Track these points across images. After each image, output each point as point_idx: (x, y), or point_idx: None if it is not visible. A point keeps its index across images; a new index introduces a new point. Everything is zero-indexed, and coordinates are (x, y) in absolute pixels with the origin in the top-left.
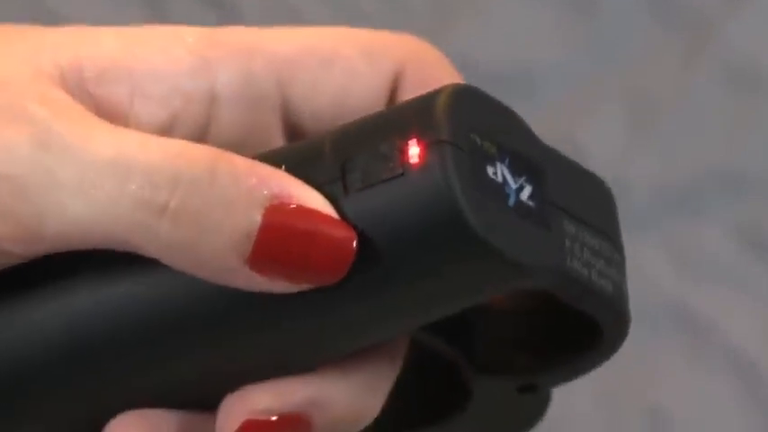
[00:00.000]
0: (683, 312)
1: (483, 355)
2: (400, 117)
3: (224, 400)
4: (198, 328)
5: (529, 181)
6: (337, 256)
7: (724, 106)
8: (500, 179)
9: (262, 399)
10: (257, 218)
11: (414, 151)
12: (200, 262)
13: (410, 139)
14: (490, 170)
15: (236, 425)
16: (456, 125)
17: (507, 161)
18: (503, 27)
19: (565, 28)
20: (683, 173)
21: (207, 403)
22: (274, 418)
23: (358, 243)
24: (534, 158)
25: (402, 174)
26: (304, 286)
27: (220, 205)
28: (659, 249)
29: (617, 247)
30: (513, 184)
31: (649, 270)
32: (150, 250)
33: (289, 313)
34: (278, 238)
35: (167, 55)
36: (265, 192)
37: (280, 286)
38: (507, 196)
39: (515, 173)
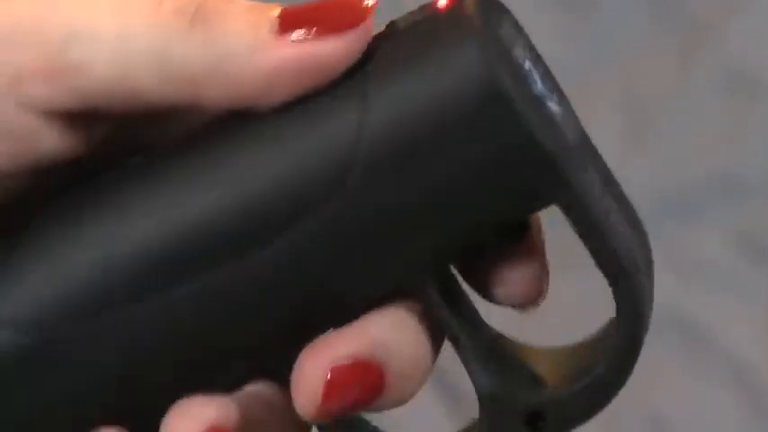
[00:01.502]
0: (683, 319)
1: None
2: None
3: (301, 355)
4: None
5: (549, 83)
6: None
7: (722, 110)
8: (527, 66)
9: (339, 345)
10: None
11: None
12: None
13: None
14: (517, 52)
15: (323, 372)
16: (486, 14)
17: (531, 53)
18: None
19: (562, 29)
20: (681, 178)
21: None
22: (353, 360)
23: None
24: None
25: (432, 14)
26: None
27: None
28: (658, 256)
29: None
30: (536, 75)
31: None
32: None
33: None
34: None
35: None
36: None
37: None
38: (534, 82)
39: (537, 66)
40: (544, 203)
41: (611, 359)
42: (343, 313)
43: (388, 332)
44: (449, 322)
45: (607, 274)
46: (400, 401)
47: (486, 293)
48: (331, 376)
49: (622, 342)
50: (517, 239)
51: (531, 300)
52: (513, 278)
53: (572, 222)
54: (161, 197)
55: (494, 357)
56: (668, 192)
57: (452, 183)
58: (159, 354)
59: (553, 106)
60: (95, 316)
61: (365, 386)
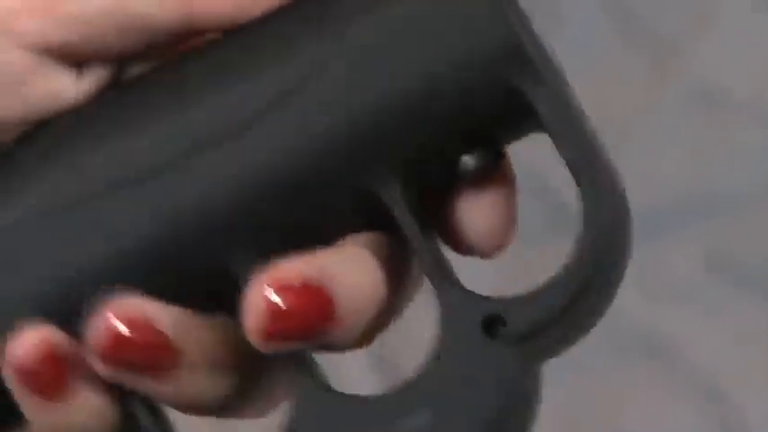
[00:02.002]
0: (650, 336)
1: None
2: None
3: (252, 276)
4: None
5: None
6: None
7: (691, 127)
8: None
9: (290, 268)
10: None
11: None
12: None
13: None
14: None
15: (270, 293)
16: None
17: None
18: None
19: None
20: (650, 195)
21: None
22: (301, 282)
23: None
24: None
25: None
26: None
27: None
28: (626, 274)
29: None
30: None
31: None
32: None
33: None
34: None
35: None
36: None
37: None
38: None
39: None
40: (520, 101)
41: (575, 257)
42: (304, 232)
43: (343, 263)
44: (411, 231)
45: (583, 170)
46: (352, 340)
47: (455, 237)
48: (277, 296)
49: (588, 235)
50: (490, 171)
51: (499, 238)
52: (483, 211)
53: (548, 119)
54: (151, 107)
55: (452, 273)
56: (637, 209)
57: (428, 74)
58: (120, 249)
59: (532, 27)
60: (81, 204)
61: (313, 312)
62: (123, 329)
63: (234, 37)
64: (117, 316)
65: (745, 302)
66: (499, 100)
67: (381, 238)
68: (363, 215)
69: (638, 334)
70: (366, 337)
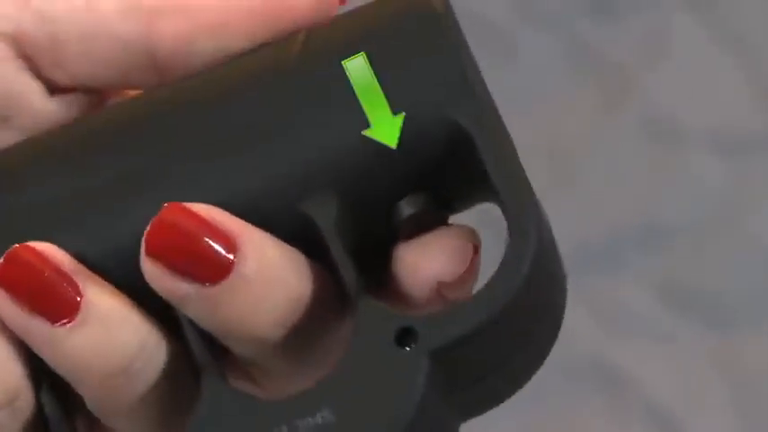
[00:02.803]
0: (603, 366)
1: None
2: None
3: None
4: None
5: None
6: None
7: (642, 160)
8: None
9: (204, 206)
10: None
11: None
12: None
13: None
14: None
15: (168, 208)
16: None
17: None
18: None
19: (484, 75)
20: (603, 226)
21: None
22: (202, 216)
23: None
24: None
25: None
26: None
27: None
28: (579, 304)
29: None
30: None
31: (569, 325)
32: None
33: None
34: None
35: None
36: None
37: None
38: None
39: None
40: (454, 122)
41: (495, 275)
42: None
43: (268, 239)
44: (336, 249)
45: (507, 192)
46: (243, 315)
47: (392, 286)
48: (167, 214)
49: (508, 267)
50: (432, 220)
51: (427, 285)
52: (416, 256)
53: (479, 141)
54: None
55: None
56: (590, 240)
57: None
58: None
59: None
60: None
61: (207, 253)
62: (30, 259)
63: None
64: (27, 249)
65: (698, 333)
66: (441, 137)
67: (316, 264)
68: (301, 242)
69: (592, 363)
70: (265, 322)
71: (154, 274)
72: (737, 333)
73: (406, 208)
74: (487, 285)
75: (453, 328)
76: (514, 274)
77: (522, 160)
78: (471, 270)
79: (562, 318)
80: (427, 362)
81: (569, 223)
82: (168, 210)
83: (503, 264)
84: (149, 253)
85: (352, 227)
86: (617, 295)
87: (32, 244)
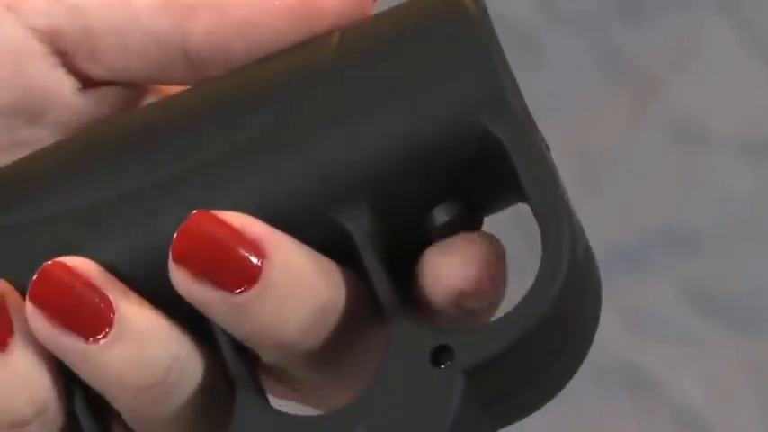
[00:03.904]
0: (631, 370)
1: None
2: None
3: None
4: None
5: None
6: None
7: (671, 162)
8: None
9: (233, 215)
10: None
11: None
12: None
13: None
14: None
15: (197, 215)
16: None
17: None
18: None
19: None
20: (631, 229)
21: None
22: (233, 227)
23: None
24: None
25: None
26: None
27: None
28: (607, 308)
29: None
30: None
31: (597, 328)
32: None
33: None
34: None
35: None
36: None
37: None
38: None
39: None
40: (495, 149)
41: (529, 291)
42: None
43: (297, 246)
44: (370, 261)
45: (540, 204)
46: (271, 323)
47: (420, 293)
48: (194, 221)
49: (542, 271)
50: (462, 227)
51: (456, 293)
52: (444, 264)
53: (511, 148)
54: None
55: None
56: (618, 243)
57: (405, 114)
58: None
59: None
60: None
61: (235, 259)
62: (62, 276)
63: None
64: (59, 265)
65: (726, 336)
66: (474, 145)
67: (347, 272)
68: (332, 250)
69: (619, 366)
70: (293, 326)
71: (181, 280)
72: (765, 336)
73: (440, 216)
74: (522, 301)
75: (489, 345)
76: (548, 290)
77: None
78: (492, 280)
79: (596, 326)
80: (462, 380)
81: (598, 227)
82: (196, 216)
83: (537, 279)
84: (176, 259)
85: (386, 236)
86: (645, 298)
87: (63, 259)
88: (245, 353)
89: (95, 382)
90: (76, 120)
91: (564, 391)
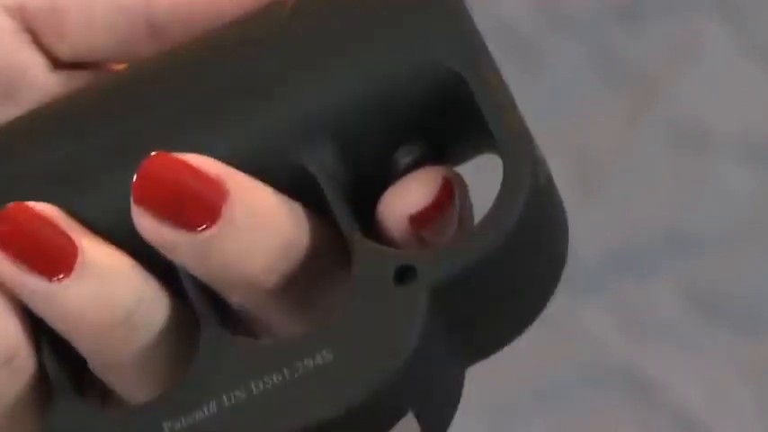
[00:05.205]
0: (631, 372)
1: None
2: None
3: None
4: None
5: None
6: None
7: (669, 166)
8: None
9: (195, 156)
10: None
11: None
12: None
13: None
14: None
15: (155, 156)
16: None
17: None
18: None
19: (513, 84)
20: (631, 232)
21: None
22: (195, 166)
23: None
24: None
25: None
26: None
27: None
28: (606, 311)
29: None
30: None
31: (596, 332)
32: None
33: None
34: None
35: None
36: None
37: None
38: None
39: None
40: (446, 68)
41: (488, 213)
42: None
43: (258, 185)
44: (331, 192)
45: (501, 132)
46: (234, 261)
47: (382, 228)
48: (153, 162)
49: (504, 199)
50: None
51: (411, 228)
52: (401, 197)
53: (473, 85)
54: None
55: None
56: (618, 246)
57: (368, 56)
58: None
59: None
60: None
61: (195, 197)
62: (23, 216)
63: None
64: (20, 207)
65: (726, 339)
66: (434, 85)
67: (314, 215)
68: (298, 194)
69: (620, 369)
70: (260, 265)
71: (144, 224)
72: (765, 339)
73: (404, 158)
74: (482, 223)
75: (452, 264)
76: (510, 210)
77: (550, 167)
78: (440, 204)
79: (565, 259)
80: (427, 297)
81: (598, 230)
82: (154, 158)
83: (497, 200)
84: (137, 201)
85: (350, 177)
86: (645, 301)
87: (26, 203)
88: (216, 301)
89: (59, 323)
90: (47, 99)
91: (563, 394)
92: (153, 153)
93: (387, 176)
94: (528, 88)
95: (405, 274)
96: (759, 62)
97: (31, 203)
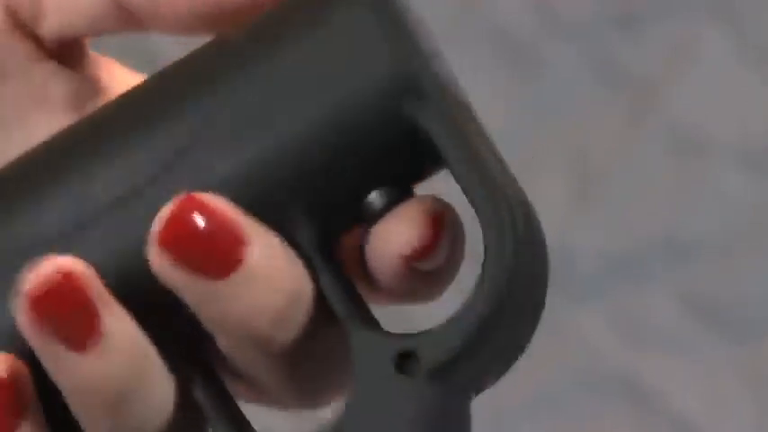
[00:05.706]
0: (628, 379)
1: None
2: None
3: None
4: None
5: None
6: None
7: (668, 171)
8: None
9: (211, 197)
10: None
11: None
12: None
13: None
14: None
15: (179, 201)
16: None
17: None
18: None
19: (509, 90)
20: (627, 238)
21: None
22: (212, 207)
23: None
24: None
25: None
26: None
27: None
28: (603, 317)
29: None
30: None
31: (593, 338)
32: None
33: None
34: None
35: None
36: None
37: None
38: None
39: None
40: (417, 132)
41: (480, 287)
42: None
43: (273, 235)
44: (322, 270)
45: (481, 200)
46: (246, 311)
47: (366, 277)
48: (188, 212)
49: (490, 265)
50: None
51: (399, 272)
52: (385, 242)
53: (445, 150)
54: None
55: (366, 309)
56: (614, 252)
57: (319, 113)
58: None
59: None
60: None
61: (219, 246)
62: (55, 278)
63: (129, 96)
64: (51, 265)
65: (724, 345)
66: (394, 130)
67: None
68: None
69: (617, 375)
70: (269, 311)
71: (163, 265)
72: (762, 346)
73: (377, 200)
74: (471, 298)
75: (451, 343)
76: (497, 277)
77: (547, 172)
78: (436, 238)
79: (547, 284)
80: (432, 383)
81: (596, 236)
82: (182, 201)
83: (483, 268)
84: (162, 244)
85: (327, 231)
86: (643, 307)
87: (64, 262)
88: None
89: (70, 391)
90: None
91: (560, 401)
92: (180, 195)
93: (358, 216)
94: (527, 93)
95: (405, 361)
96: (757, 66)
97: (70, 264)
